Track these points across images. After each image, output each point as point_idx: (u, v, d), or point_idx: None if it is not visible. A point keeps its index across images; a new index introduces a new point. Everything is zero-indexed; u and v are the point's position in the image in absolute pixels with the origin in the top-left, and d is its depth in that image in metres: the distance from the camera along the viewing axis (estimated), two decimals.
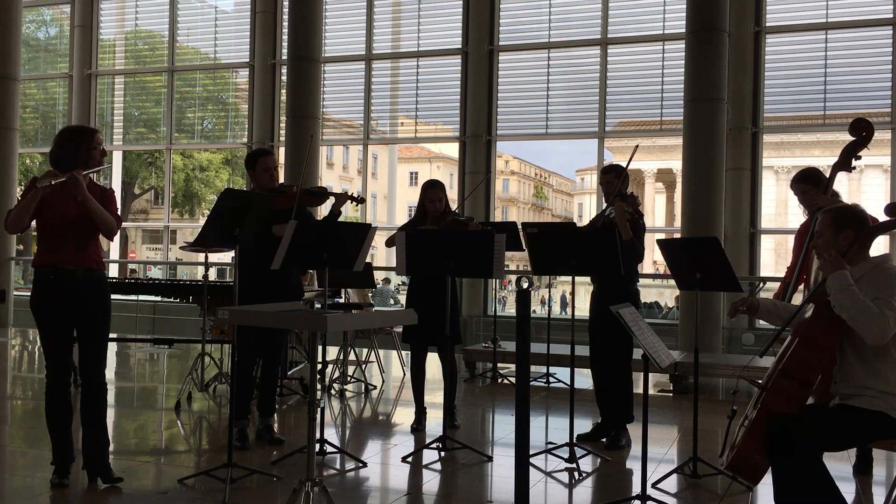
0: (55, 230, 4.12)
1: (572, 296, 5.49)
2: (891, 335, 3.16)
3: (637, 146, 5.91)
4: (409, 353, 5.94)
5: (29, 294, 4.29)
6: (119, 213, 4.34)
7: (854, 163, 4.82)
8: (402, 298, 19.75)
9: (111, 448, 4.53)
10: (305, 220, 5.10)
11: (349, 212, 5.18)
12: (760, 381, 3.44)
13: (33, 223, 4.19)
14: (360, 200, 5.41)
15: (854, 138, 4.76)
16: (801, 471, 3.13)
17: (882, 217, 3.92)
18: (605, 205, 5.61)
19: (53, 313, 4.13)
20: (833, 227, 3.41)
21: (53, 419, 4.22)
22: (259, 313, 3.69)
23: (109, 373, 8.30)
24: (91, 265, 4.18)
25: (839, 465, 4.84)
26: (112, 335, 5.09)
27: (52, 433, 4.23)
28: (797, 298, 4.74)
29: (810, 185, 4.93)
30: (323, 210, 7.11)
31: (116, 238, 4.72)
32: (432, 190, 5.75)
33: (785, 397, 3.26)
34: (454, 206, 6.95)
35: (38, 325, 4.19)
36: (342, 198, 5.27)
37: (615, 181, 5.45)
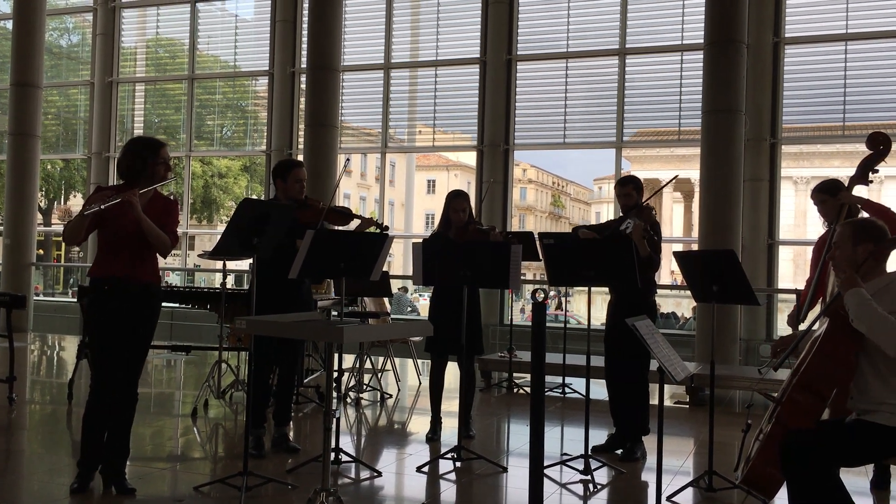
0: (114, 244, 4.16)
1: (588, 306, 5.48)
2: None
3: (676, 176, 5.92)
4: (430, 361, 5.95)
5: (49, 299, 4.34)
6: (177, 226, 4.37)
7: (871, 176, 4.80)
8: (420, 307, 19.76)
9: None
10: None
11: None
12: (775, 395, 3.43)
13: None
14: (385, 228, 5.44)
15: (871, 152, 4.74)
16: (816, 486, 3.12)
17: None
18: (621, 215, 5.59)
19: (107, 324, 4.17)
20: (853, 238, 3.38)
21: (91, 426, 4.24)
22: (276, 324, 3.72)
23: None
24: (147, 278, 4.23)
25: (856, 480, 4.80)
26: None
27: (86, 438, 4.25)
28: (814, 312, 4.71)
29: (827, 194, 4.91)
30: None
31: None
32: (457, 200, 5.77)
33: (800, 411, 3.25)
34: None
35: (91, 334, 4.28)
36: (367, 223, 5.31)
37: (633, 194, 5.45)
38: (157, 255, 4.27)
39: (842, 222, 3.62)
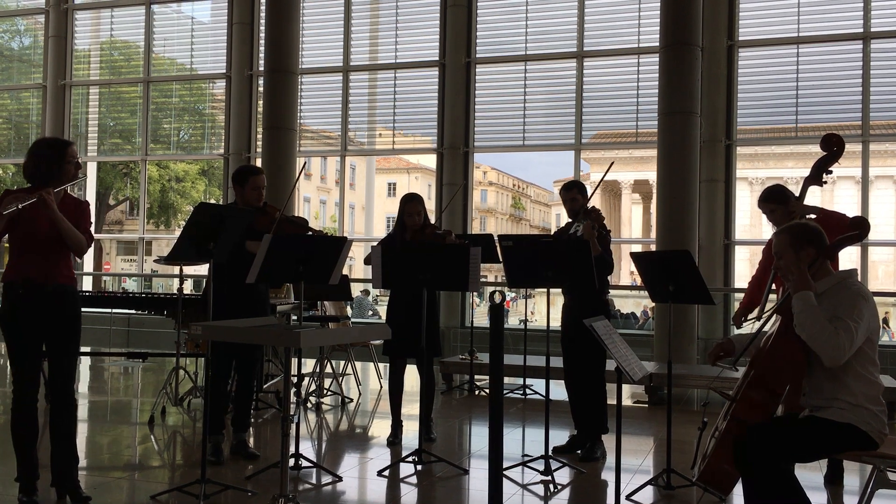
0: (26, 245, 4.07)
1: (548, 307, 5.51)
2: (846, 358, 3.20)
3: (613, 162, 5.93)
4: (388, 365, 5.94)
5: None
6: (92, 227, 4.30)
7: (825, 177, 4.87)
8: (381, 310, 19.70)
9: (83, 464, 4.48)
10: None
11: (326, 223, 5.25)
12: (730, 393, 3.48)
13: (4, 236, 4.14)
14: None
15: (825, 153, 4.82)
16: (771, 481, 3.17)
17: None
18: (569, 221, 5.58)
19: (22, 328, 4.08)
20: (793, 246, 3.43)
21: (19, 435, 4.14)
22: (233, 329, 3.68)
23: (83, 387, 8.21)
24: (62, 280, 4.14)
25: (811, 475, 4.89)
26: (85, 349, 5.05)
27: (17, 450, 4.16)
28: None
29: (777, 203, 4.91)
30: None
31: (91, 250, 4.67)
32: (411, 203, 5.76)
33: (754, 408, 3.30)
34: (432, 216, 6.96)
35: (6, 339, 4.15)
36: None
37: (579, 197, 5.46)
38: (73, 256, 4.20)
39: (776, 231, 3.65)
